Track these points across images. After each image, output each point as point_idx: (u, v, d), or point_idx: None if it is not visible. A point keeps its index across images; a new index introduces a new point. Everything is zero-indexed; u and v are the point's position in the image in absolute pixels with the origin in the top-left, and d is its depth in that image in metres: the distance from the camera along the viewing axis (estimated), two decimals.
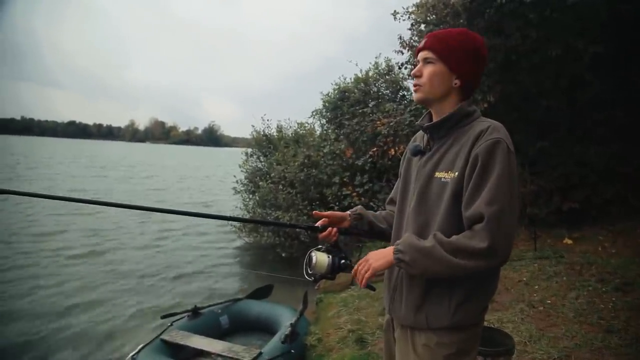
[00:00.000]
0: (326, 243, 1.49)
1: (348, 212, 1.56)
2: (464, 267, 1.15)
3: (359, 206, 1.64)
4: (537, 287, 4.13)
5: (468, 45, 1.30)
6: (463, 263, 1.15)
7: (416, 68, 1.34)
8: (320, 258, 1.43)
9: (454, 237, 1.18)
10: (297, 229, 6.27)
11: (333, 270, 1.44)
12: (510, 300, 3.89)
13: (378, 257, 1.31)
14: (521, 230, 5.69)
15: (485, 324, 1.39)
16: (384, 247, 1.34)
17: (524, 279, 4.34)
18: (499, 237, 1.13)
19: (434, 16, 6.22)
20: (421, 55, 1.33)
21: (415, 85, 1.34)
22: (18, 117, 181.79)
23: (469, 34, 1.33)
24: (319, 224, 1.51)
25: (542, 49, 5.13)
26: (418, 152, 1.39)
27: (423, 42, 1.33)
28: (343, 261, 1.45)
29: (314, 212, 1.53)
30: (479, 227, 1.14)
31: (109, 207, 1.47)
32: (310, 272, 1.46)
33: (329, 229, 1.49)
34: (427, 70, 1.31)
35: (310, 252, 1.47)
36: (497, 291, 1.38)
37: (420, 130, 1.46)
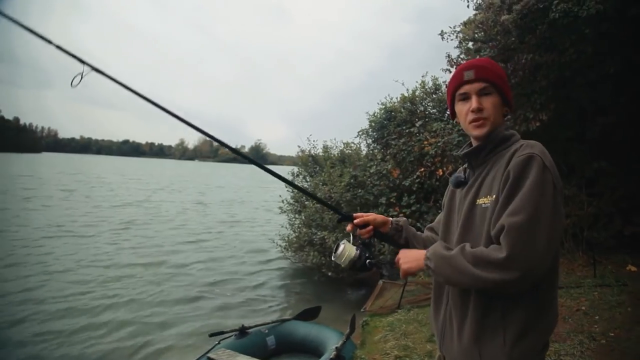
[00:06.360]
0: (360, 238, 1.50)
1: (391, 219, 1.57)
2: (480, 277, 1.10)
3: (404, 219, 1.62)
4: (597, 317, 3.89)
5: (504, 73, 1.34)
6: (479, 274, 1.10)
7: (474, 102, 1.28)
8: (348, 249, 1.44)
9: (478, 248, 1.15)
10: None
11: (354, 265, 1.44)
12: (568, 330, 3.68)
13: (408, 259, 1.33)
14: (578, 255, 5.40)
15: None
16: None
17: (583, 307, 4.10)
18: (520, 247, 1.06)
19: (482, 33, 6.11)
20: (473, 87, 1.28)
21: (478, 120, 1.28)
22: (78, 137, 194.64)
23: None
24: (357, 221, 1.51)
25: (598, 65, 4.92)
26: (460, 183, 1.38)
27: (469, 73, 1.29)
28: (368, 261, 1.45)
29: (354, 214, 1.53)
30: (501, 237, 1.10)
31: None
32: (333, 260, 1.47)
33: (366, 223, 1.51)
34: (488, 102, 1.28)
35: (341, 240, 1.48)
36: None
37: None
